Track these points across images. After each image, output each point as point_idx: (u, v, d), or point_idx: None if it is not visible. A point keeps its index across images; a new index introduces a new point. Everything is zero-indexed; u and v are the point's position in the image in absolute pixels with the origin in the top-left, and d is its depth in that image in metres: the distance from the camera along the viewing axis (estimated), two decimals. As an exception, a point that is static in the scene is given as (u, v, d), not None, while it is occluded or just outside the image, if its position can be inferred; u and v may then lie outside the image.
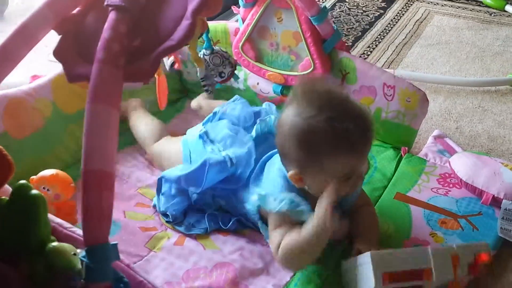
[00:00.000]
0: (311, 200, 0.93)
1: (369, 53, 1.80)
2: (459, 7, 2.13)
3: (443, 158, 1.26)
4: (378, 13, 2.08)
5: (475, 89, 1.60)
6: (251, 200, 0.98)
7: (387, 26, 1.98)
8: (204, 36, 1.02)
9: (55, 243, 0.68)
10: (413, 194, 1.14)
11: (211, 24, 1.39)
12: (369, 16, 2.05)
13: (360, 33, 1.93)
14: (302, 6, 1.21)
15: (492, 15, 2.06)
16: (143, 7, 0.69)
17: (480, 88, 1.60)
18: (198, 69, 1.04)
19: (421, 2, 2.16)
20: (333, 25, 1.28)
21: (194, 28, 0.68)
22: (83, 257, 0.65)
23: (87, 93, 0.63)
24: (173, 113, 1.41)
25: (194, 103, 1.38)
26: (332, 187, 0.88)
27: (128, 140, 1.28)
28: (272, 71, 1.33)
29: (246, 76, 1.40)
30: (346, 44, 1.73)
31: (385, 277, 0.84)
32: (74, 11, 0.77)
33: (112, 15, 0.66)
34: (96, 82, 0.62)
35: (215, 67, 1.08)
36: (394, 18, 2.04)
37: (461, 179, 1.15)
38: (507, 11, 2.06)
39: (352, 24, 1.99)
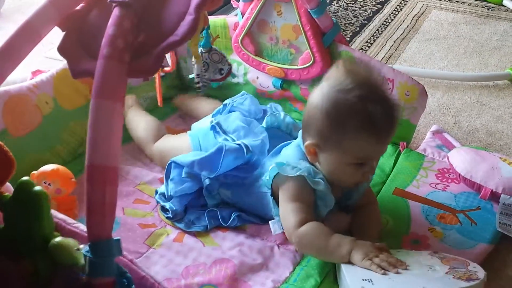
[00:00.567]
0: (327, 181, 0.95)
1: (367, 48, 1.81)
2: (456, 1, 2.14)
3: (441, 153, 1.26)
4: (376, 8, 2.08)
5: (473, 84, 1.61)
6: (269, 169, 0.98)
7: (385, 21, 1.99)
8: (204, 32, 1.02)
9: (58, 239, 0.68)
10: (412, 190, 1.15)
11: (210, 18, 1.39)
12: (367, 11, 2.05)
13: (358, 28, 1.93)
14: (301, -1, 1.22)
15: (490, 9, 2.07)
16: (146, 3, 0.69)
17: (478, 83, 1.61)
18: (195, 65, 1.04)
19: (418, -4, 2.17)
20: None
21: (197, 23, 0.68)
22: (87, 252, 0.65)
23: (92, 89, 0.63)
24: (170, 110, 1.40)
25: (177, 100, 1.40)
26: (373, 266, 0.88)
27: (126, 136, 1.27)
28: (271, 65, 1.33)
29: (246, 71, 1.40)
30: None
31: None
32: (78, 8, 0.77)
33: (116, 11, 0.65)
34: (101, 77, 0.62)
35: (215, 63, 1.07)
36: (392, 13, 2.04)
37: (459, 174, 1.15)
38: (505, 6, 2.07)
39: (350, 19, 2.00)
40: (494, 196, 1.11)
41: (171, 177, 1.07)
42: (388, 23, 1.97)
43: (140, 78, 1.31)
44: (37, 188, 0.69)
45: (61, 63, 1.15)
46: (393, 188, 1.15)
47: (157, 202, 1.10)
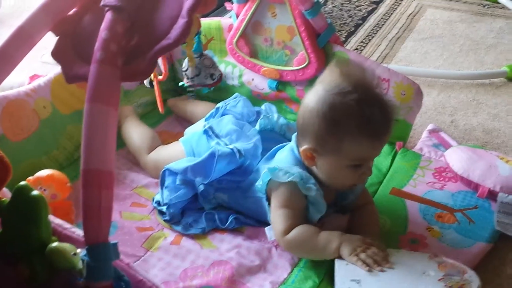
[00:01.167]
0: (320, 186, 0.96)
1: (362, 48, 1.81)
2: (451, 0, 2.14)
3: (438, 152, 1.26)
4: (371, 8, 2.08)
5: (469, 82, 1.61)
6: (262, 174, 0.98)
7: (380, 20, 1.99)
8: (195, 38, 1.02)
9: (55, 244, 0.68)
10: (409, 189, 1.15)
11: (205, 20, 1.39)
12: (361, 11, 2.06)
13: (353, 28, 1.93)
14: (295, 0, 1.22)
15: (486, 7, 2.07)
16: (139, 6, 0.69)
17: (474, 81, 1.61)
18: (189, 68, 1.04)
19: (413, -5, 2.17)
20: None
21: (190, 26, 0.68)
22: (84, 256, 0.65)
23: (86, 93, 0.63)
24: (166, 113, 1.39)
25: (171, 102, 1.40)
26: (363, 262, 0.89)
27: (122, 141, 1.27)
28: (267, 67, 1.33)
29: (241, 73, 1.40)
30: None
31: None
32: (71, 12, 0.77)
33: (108, 15, 0.66)
34: (94, 82, 0.63)
35: (206, 68, 1.07)
36: (386, 12, 2.05)
37: (456, 173, 1.15)
38: (500, 3, 2.07)
39: (345, 19, 2.00)
40: (492, 195, 1.10)
41: (165, 184, 1.07)
42: (383, 23, 1.97)
43: (134, 82, 1.31)
44: (35, 192, 0.69)
45: (58, 67, 1.15)
46: (390, 188, 1.15)
47: (154, 207, 1.10)
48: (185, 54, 1.02)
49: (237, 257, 0.99)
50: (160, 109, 1.10)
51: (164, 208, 1.06)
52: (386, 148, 1.26)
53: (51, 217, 0.75)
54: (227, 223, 1.05)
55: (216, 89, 1.37)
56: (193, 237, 1.04)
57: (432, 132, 1.34)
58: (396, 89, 1.22)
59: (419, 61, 1.73)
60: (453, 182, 1.17)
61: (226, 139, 1.10)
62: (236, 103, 1.21)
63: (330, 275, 0.94)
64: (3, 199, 0.71)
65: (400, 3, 2.11)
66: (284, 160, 1.00)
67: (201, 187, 1.06)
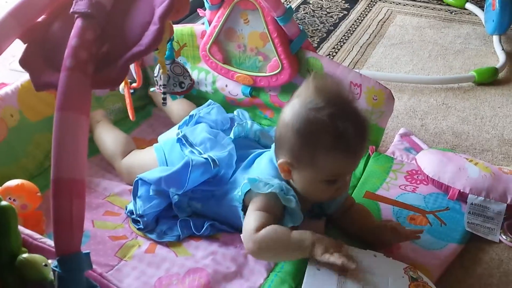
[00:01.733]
0: (298, 196, 0.96)
1: (334, 54, 1.83)
2: (420, 6, 2.18)
3: (409, 155, 1.28)
4: (342, 14, 2.10)
5: (438, 86, 1.64)
6: (241, 184, 0.97)
7: (351, 27, 2.01)
8: (168, 44, 1.01)
9: (25, 255, 0.66)
10: (382, 192, 1.16)
11: (177, 27, 1.38)
12: (333, 18, 2.08)
13: (325, 35, 1.95)
14: (267, 7, 1.22)
15: (453, 13, 2.12)
16: (109, 13, 0.68)
17: (443, 86, 1.64)
18: (161, 75, 1.03)
19: (383, 2, 2.20)
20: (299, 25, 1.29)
21: (162, 33, 0.68)
22: (55, 267, 0.64)
23: (56, 101, 0.62)
24: (139, 120, 1.39)
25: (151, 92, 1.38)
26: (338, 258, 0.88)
27: (95, 148, 1.25)
28: (240, 73, 1.34)
29: (215, 79, 1.39)
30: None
31: None
32: (40, 19, 0.75)
33: (78, 22, 0.65)
34: (64, 89, 0.62)
35: (176, 76, 1.06)
36: (357, 18, 2.07)
37: (427, 176, 1.17)
38: (467, 9, 2.12)
39: (316, 25, 2.02)
40: (462, 197, 1.13)
41: (138, 194, 1.05)
42: (354, 29, 1.99)
43: (106, 90, 1.30)
44: (4, 203, 0.67)
45: (26, 75, 1.13)
46: (364, 192, 1.16)
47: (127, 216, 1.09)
48: (157, 61, 1.01)
49: (212, 264, 0.98)
50: (131, 117, 1.09)
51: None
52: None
53: (21, 228, 0.74)
54: (202, 230, 1.04)
55: (189, 96, 1.37)
56: (168, 244, 1.03)
57: (404, 136, 1.36)
58: (368, 94, 1.24)
59: (390, 66, 1.76)
60: (425, 185, 1.18)
61: (200, 147, 1.09)
62: (209, 110, 1.20)
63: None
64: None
65: (371, 10, 2.14)
66: (264, 170, 1.00)
67: (176, 198, 1.05)
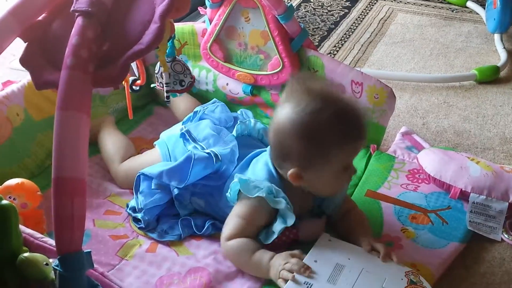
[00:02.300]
0: (290, 197, 0.96)
1: (335, 52, 1.82)
2: (421, 4, 2.17)
3: (411, 154, 1.28)
4: (343, 13, 2.10)
5: (440, 85, 1.64)
6: (232, 184, 0.98)
7: (352, 25, 2.01)
8: (169, 42, 1.00)
9: (26, 254, 0.66)
10: (383, 191, 1.16)
11: (178, 25, 1.38)
12: (334, 16, 2.07)
13: (326, 33, 1.95)
14: (268, 5, 1.22)
15: (454, 11, 2.11)
16: (110, 12, 0.68)
17: (444, 84, 1.64)
18: (163, 74, 1.03)
19: (384, 0, 2.19)
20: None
21: (163, 31, 0.67)
22: (56, 266, 0.63)
23: (56, 100, 0.62)
24: (141, 119, 1.39)
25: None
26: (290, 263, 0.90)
27: (96, 148, 1.25)
28: (241, 71, 1.33)
29: (216, 77, 1.39)
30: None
31: None
32: (40, 18, 0.75)
33: (79, 21, 0.65)
34: (65, 88, 0.61)
35: (177, 74, 1.06)
36: (358, 17, 2.07)
37: (429, 175, 1.17)
38: (468, 7, 2.11)
39: (317, 24, 2.01)
40: (464, 195, 1.12)
41: (140, 189, 1.05)
42: (355, 27, 1.99)
43: (108, 88, 1.29)
44: (4, 202, 0.67)
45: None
46: (365, 190, 1.16)
47: (129, 214, 1.09)
48: (158, 58, 1.01)
49: (214, 263, 0.98)
50: (129, 115, 1.08)
51: (139, 215, 1.05)
52: (360, 151, 1.27)
53: (22, 227, 0.74)
54: (204, 229, 1.04)
55: (190, 94, 1.37)
56: (169, 244, 1.03)
57: (405, 134, 1.35)
58: (369, 93, 1.23)
59: (391, 64, 1.75)
60: (426, 184, 1.18)
61: (203, 143, 1.09)
62: (214, 108, 1.21)
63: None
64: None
65: (372, 8, 2.13)
66: (258, 173, 1.00)
67: (176, 191, 1.05)
